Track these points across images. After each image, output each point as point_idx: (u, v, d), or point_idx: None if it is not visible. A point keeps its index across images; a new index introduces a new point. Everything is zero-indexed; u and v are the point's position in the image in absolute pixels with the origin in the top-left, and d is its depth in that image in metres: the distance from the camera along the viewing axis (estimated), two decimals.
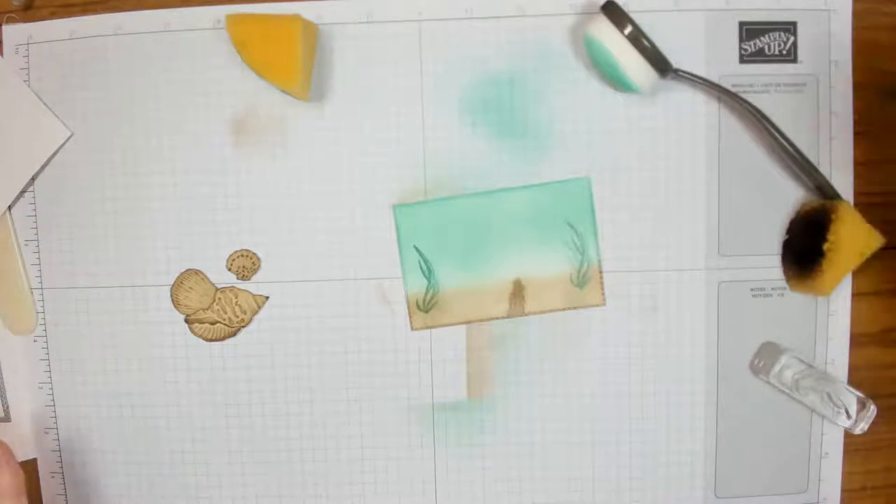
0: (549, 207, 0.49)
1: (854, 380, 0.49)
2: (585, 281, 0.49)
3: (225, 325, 0.50)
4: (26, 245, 0.50)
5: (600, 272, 0.49)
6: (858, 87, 0.48)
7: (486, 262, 0.49)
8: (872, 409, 0.48)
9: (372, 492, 0.50)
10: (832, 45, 0.48)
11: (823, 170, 0.48)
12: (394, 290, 0.50)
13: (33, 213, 0.50)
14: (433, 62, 0.49)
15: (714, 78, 0.48)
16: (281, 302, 0.50)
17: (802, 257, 0.48)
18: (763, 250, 0.49)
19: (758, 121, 0.47)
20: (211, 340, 0.50)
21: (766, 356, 0.49)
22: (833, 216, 0.46)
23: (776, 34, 0.48)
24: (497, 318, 0.49)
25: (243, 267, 0.50)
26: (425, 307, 0.49)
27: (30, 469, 0.51)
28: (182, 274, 0.50)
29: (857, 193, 0.49)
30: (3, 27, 0.49)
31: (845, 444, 0.50)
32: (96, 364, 0.50)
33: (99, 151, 0.50)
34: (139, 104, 0.49)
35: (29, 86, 0.49)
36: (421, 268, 0.49)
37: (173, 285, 0.50)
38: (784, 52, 0.48)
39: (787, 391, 0.48)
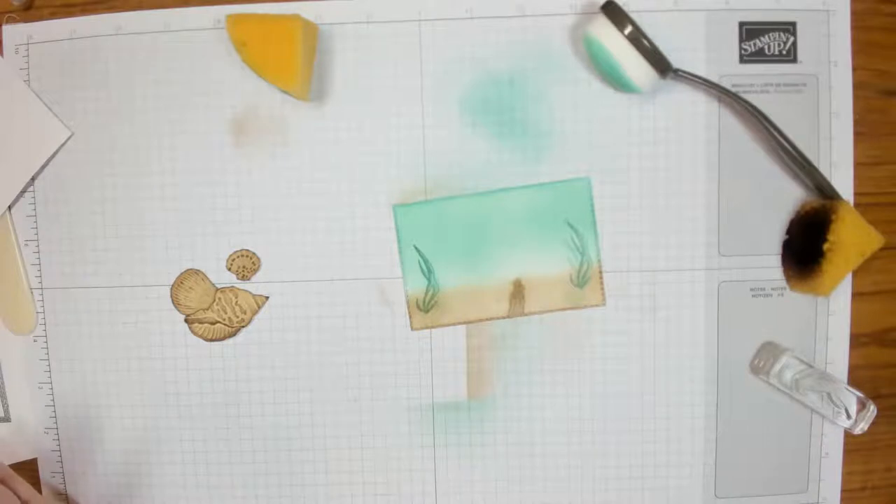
0: (549, 207, 0.49)
1: (854, 380, 0.49)
2: (585, 281, 0.49)
3: (225, 325, 0.50)
4: (26, 245, 0.50)
5: (600, 272, 0.49)
6: (858, 87, 0.48)
7: (486, 262, 0.49)
8: (872, 409, 0.48)
9: (372, 492, 0.50)
10: (831, 45, 0.48)
11: (823, 170, 0.48)
12: (394, 290, 0.49)
13: (33, 213, 0.50)
14: (433, 62, 0.49)
15: (714, 78, 0.48)
16: (281, 302, 0.50)
17: (802, 257, 0.48)
18: (763, 250, 0.49)
19: (758, 121, 0.47)
20: (211, 340, 0.50)
21: (766, 356, 0.49)
22: (833, 216, 0.46)
23: (776, 34, 0.48)
24: (497, 318, 0.49)
25: (243, 267, 0.50)
26: (425, 307, 0.49)
27: (30, 469, 0.51)
28: (182, 274, 0.50)
29: (857, 193, 0.49)
30: (3, 27, 0.49)
31: (845, 444, 0.50)
32: (96, 364, 0.50)
33: (99, 151, 0.50)
34: (139, 104, 0.49)
35: (29, 86, 0.49)
36: (421, 268, 0.49)
37: (173, 285, 0.50)
38: (784, 52, 0.48)
39: (787, 391, 0.48)
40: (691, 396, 0.50)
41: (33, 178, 0.50)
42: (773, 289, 0.49)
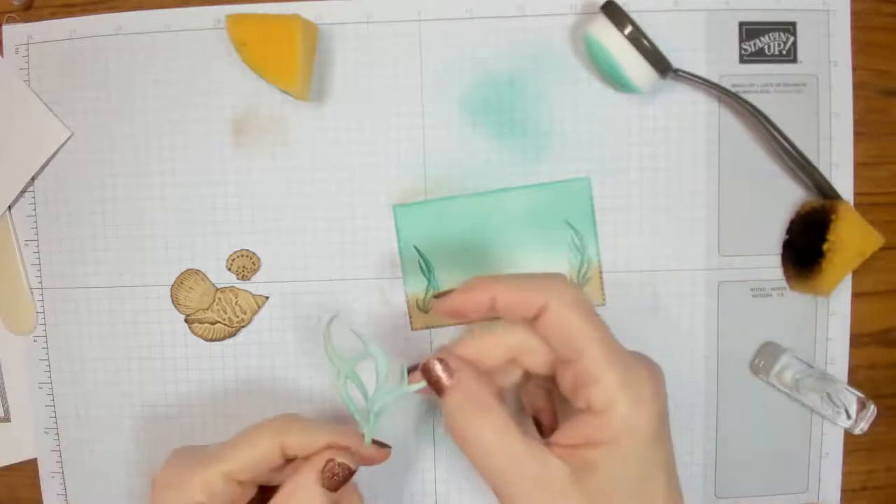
0: (549, 207, 0.49)
1: (854, 380, 0.49)
2: (585, 281, 0.49)
3: (225, 325, 0.50)
4: (26, 245, 0.50)
5: (600, 272, 0.49)
6: (858, 87, 0.48)
7: (486, 262, 0.49)
8: (872, 409, 0.48)
9: (372, 493, 0.50)
10: (831, 45, 0.48)
11: (823, 170, 0.48)
12: (394, 290, 0.49)
13: (33, 213, 0.50)
14: (433, 62, 0.49)
15: (714, 78, 0.48)
16: (281, 302, 0.50)
17: (802, 257, 0.48)
18: (763, 250, 0.49)
19: (758, 121, 0.47)
20: (211, 340, 0.50)
21: (766, 356, 0.49)
22: (833, 216, 0.46)
23: (776, 34, 0.48)
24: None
25: (243, 267, 0.50)
26: (425, 307, 0.49)
27: (30, 469, 0.51)
28: (182, 274, 0.50)
29: (857, 193, 0.49)
30: (3, 27, 0.49)
31: (845, 444, 0.50)
32: (96, 364, 0.50)
33: (99, 151, 0.50)
34: (139, 104, 0.49)
35: (29, 86, 0.49)
36: (421, 268, 0.49)
37: (173, 285, 0.50)
38: (784, 52, 0.48)
39: (787, 391, 0.48)
40: (691, 396, 0.50)
41: (33, 178, 0.50)
42: (773, 289, 0.49)
